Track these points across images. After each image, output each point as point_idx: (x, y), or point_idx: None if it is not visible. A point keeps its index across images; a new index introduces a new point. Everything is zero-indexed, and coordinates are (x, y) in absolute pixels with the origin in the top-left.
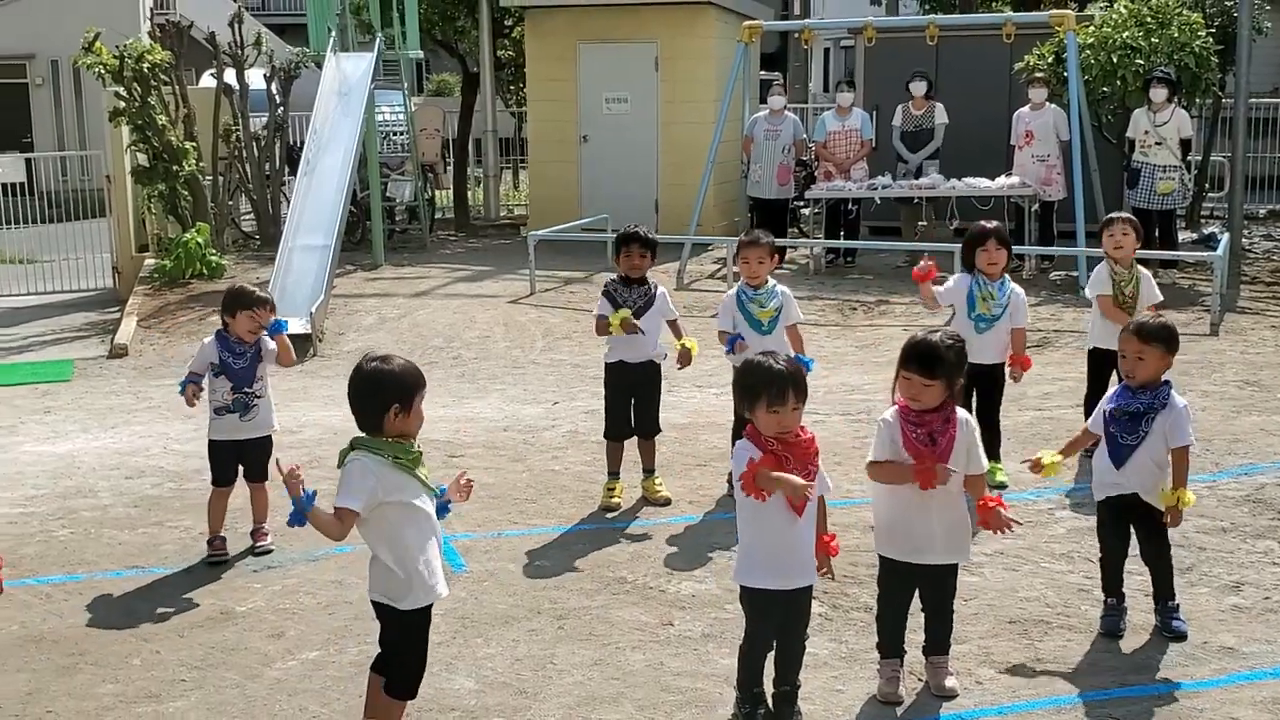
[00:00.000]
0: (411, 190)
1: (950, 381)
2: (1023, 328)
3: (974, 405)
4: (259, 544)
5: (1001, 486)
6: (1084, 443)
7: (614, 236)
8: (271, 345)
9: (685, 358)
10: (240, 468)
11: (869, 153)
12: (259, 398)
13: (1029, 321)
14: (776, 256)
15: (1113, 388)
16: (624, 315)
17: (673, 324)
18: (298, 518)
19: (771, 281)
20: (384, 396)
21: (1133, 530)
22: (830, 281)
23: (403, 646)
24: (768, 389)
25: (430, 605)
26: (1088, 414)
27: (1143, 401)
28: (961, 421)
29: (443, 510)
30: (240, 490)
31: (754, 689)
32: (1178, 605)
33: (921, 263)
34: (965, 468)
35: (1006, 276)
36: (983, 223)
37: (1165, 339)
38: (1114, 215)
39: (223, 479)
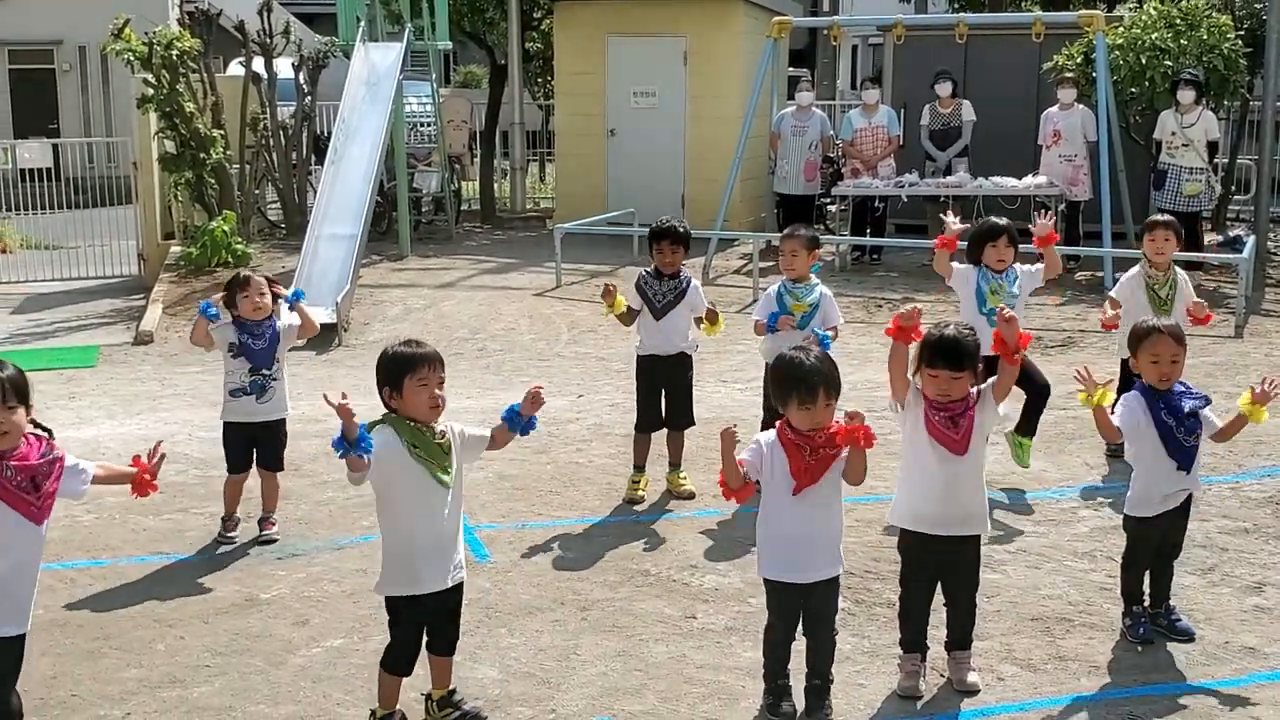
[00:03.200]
0: (438, 181)
1: (975, 370)
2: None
3: None
4: (264, 532)
5: (1025, 467)
6: (1109, 426)
7: (640, 230)
8: (291, 322)
9: (711, 317)
10: (255, 455)
11: (896, 149)
12: (275, 380)
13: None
14: (816, 251)
15: (1134, 398)
16: (614, 310)
17: (698, 319)
18: (341, 447)
19: (815, 280)
20: (378, 376)
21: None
22: (856, 279)
23: (390, 623)
24: (799, 387)
25: (407, 597)
26: None
27: (1196, 396)
28: (979, 400)
29: (529, 427)
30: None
31: (778, 680)
32: (1175, 606)
33: (948, 226)
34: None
35: (1012, 266)
36: (993, 219)
37: (1184, 335)
38: (1157, 219)
39: (239, 465)
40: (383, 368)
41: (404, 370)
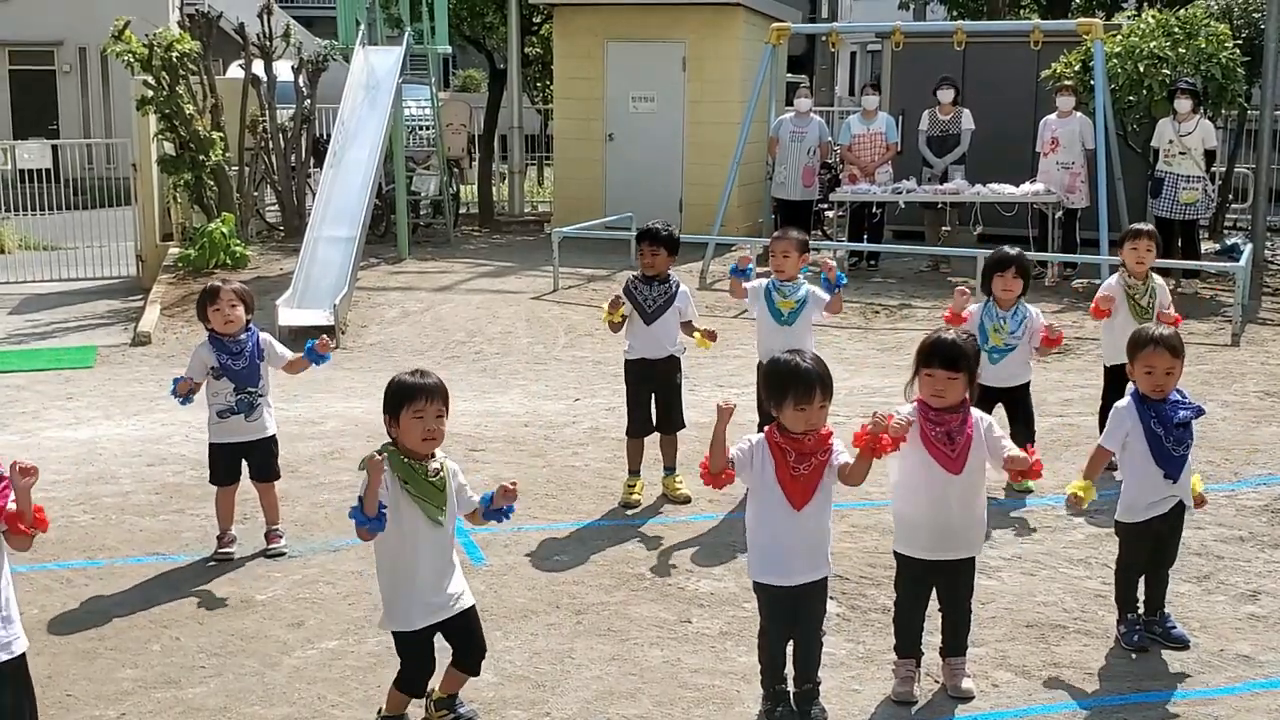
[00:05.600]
0: (436, 185)
1: (971, 375)
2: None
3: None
4: (271, 546)
5: (1027, 492)
6: (1103, 460)
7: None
8: (280, 350)
9: (710, 337)
10: (245, 469)
11: (893, 156)
12: (262, 396)
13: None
14: (807, 255)
15: (1124, 407)
16: (610, 314)
17: (686, 324)
18: (359, 519)
19: (801, 280)
20: (383, 403)
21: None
22: (853, 284)
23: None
24: (794, 387)
25: (408, 631)
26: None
27: (1190, 408)
28: (977, 421)
29: (507, 514)
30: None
31: (776, 685)
32: (1169, 613)
33: (957, 298)
34: (992, 463)
35: (1021, 303)
36: (1005, 249)
37: (1183, 346)
38: (1139, 228)
39: (226, 480)
40: (386, 395)
41: (402, 400)
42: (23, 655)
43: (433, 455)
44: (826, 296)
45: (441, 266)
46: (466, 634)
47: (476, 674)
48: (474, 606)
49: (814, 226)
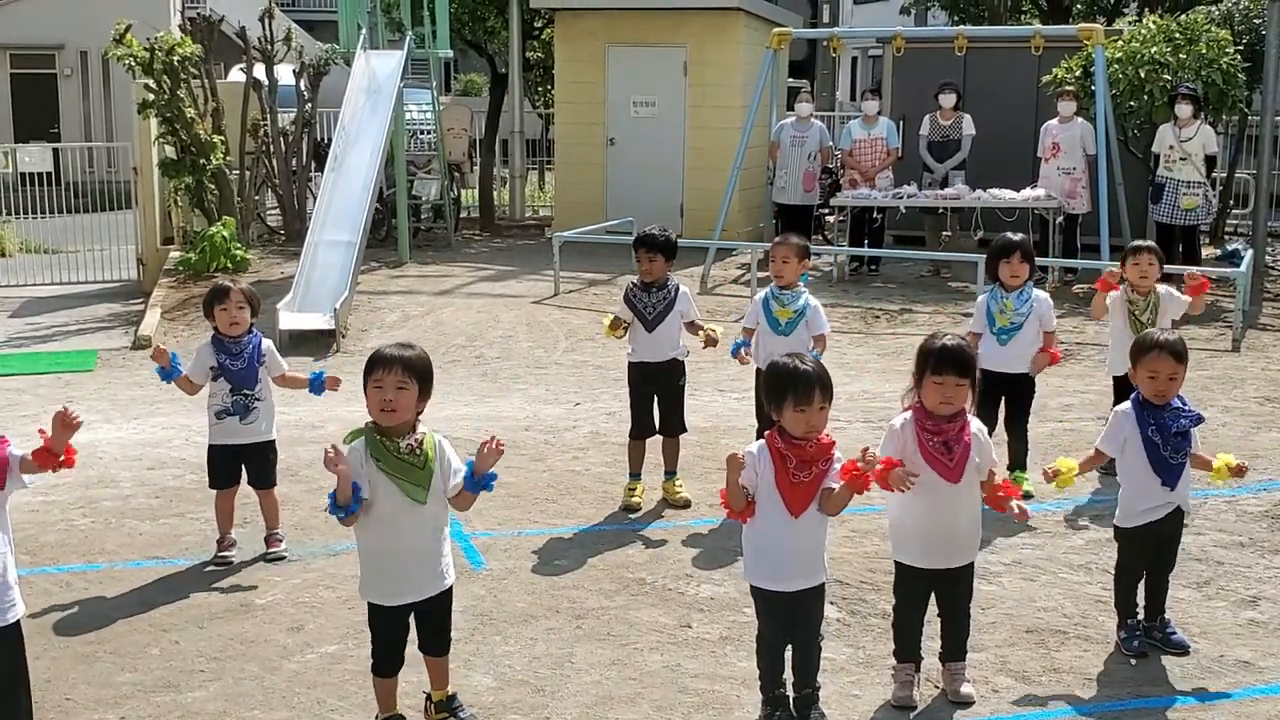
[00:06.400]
0: (437, 189)
1: (975, 381)
2: (1051, 331)
3: (999, 415)
4: (271, 550)
5: (1028, 496)
6: (1097, 462)
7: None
8: (280, 360)
9: (711, 341)
10: (244, 474)
11: (894, 161)
12: (259, 400)
13: (1054, 325)
14: (807, 260)
15: (1124, 412)
16: (611, 331)
17: (690, 324)
18: (334, 509)
19: (802, 287)
20: None
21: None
22: (853, 289)
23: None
24: (794, 389)
25: (382, 606)
26: None
27: (1189, 416)
28: (975, 432)
29: (487, 483)
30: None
31: (774, 690)
32: (1169, 619)
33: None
34: (979, 474)
35: (1028, 285)
36: (1009, 235)
37: (1186, 352)
38: (1140, 244)
39: (221, 483)
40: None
41: (366, 372)
42: (17, 622)
43: (413, 430)
44: (824, 325)
45: (442, 270)
46: (435, 615)
47: (443, 655)
48: (450, 589)
49: (814, 231)
